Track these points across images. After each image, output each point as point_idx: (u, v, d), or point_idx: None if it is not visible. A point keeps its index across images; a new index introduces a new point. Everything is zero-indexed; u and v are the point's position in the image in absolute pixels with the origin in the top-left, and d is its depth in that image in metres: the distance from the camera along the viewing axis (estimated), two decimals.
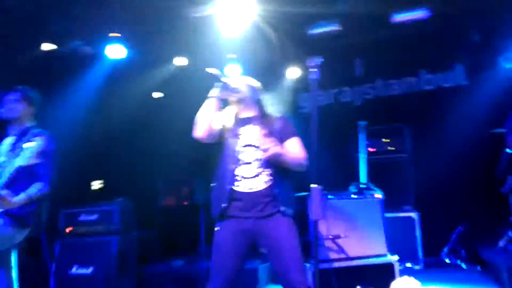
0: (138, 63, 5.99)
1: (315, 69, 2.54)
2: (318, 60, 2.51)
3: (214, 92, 2.65)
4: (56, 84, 5.24)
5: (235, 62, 5.97)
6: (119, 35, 5.44)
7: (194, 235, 5.63)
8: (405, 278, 3.51)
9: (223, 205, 2.56)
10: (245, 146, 2.65)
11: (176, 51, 6.08)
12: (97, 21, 5.31)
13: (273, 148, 2.51)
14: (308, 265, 3.39)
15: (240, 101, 2.74)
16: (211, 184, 2.75)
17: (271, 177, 2.58)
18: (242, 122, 2.74)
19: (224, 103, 2.77)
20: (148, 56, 5.99)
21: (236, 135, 2.68)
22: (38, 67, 5.16)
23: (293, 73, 6.79)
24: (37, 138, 2.66)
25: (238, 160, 2.62)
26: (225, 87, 2.64)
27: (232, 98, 2.73)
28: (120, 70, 5.96)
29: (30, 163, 2.68)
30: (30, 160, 2.65)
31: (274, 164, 2.58)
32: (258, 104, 2.82)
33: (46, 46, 5.30)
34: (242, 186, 2.57)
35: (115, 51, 5.49)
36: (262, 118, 2.74)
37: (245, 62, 6.18)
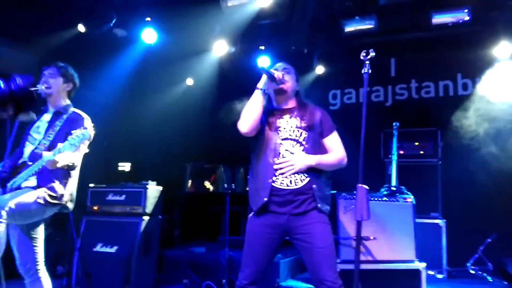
0: (172, 49, 5.99)
1: (368, 62, 2.48)
2: (372, 53, 2.45)
3: (261, 84, 2.63)
4: (90, 66, 5.29)
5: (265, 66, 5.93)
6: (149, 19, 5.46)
7: (217, 224, 5.67)
8: None
9: (265, 199, 2.54)
10: (284, 139, 2.61)
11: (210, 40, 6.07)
12: (132, 4, 5.35)
13: (305, 161, 2.53)
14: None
15: (281, 92, 2.71)
16: (248, 176, 2.73)
17: (308, 174, 2.55)
18: (281, 113, 2.70)
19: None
20: (181, 43, 5.98)
21: (276, 128, 2.64)
22: (73, 47, 5.21)
23: (324, 69, 6.72)
24: (85, 129, 2.67)
25: (278, 153, 2.58)
26: (272, 79, 2.61)
27: (275, 89, 2.69)
28: (153, 55, 5.99)
29: (75, 151, 2.69)
30: (76, 148, 2.66)
31: None
32: (297, 95, 2.79)
33: (81, 28, 5.33)
34: (279, 182, 2.55)
35: (149, 36, 5.52)
36: (301, 109, 2.70)
37: (276, 55, 6.15)
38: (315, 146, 2.62)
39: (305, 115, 2.66)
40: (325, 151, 2.66)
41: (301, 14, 5.45)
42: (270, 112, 2.71)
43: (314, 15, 5.50)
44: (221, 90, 6.91)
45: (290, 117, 2.67)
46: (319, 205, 2.52)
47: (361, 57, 2.49)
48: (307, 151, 2.58)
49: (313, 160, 2.55)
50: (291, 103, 2.75)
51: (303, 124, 2.63)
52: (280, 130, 2.63)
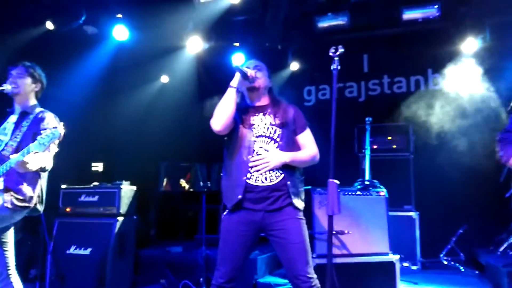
0: (145, 46, 5.92)
1: (337, 59, 2.50)
2: (341, 49, 2.47)
3: (235, 82, 2.63)
4: (59, 64, 5.17)
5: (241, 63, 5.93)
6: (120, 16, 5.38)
7: (194, 222, 5.63)
8: None
9: (239, 196, 2.53)
10: (258, 137, 2.62)
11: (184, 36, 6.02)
12: (102, 1, 5.25)
13: (280, 158, 2.54)
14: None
15: (254, 89, 2.71)
16: (221, 174, 2.72)
17: (283, 171, 2.56)
18: (254, 111, 2.70)
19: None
20: (154, 40, 5.90)
21: (250, 125, 2.64)
22: (41, 46, 5.09)
23: (298, 65, 6.75)
24: (55, 129, 2.60)
25: (253, 151, 2.59)
26: (245, 77, 2.61)
27: (248, 87, 2.69)
28: (125, 53, 5.90)
29: (45, 151, 2.63)
30: (46, 148, 2.60)
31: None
32: (270, 92, 2.79)
33: (50, 25, 5.21)
34: (254, 179, 2.55)
35: (120, 33, 5.44)
36: (274, 106, 2.71)
37: (251, 52, 6.15)
38: (289, 143, 2.63)
39: (278, 113, 2.67)
40: (298, 148, 2.68)
41: (274, 10, 5.46)
42: (244, 110, 2.71)
43: (287, 12, 5.52)
44: (195, 87, 6.86)
45: (264, 115, 2.68)
46: (293, 201, 2.53)
47: (330, 54, 2.52)
48: (281, 148, 2.59)
49: (287, 157, 2.56)
50: (264, 100, 2.75)
51: (277, 122, 2.64)
52: (254, 128, 2.63)
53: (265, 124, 2.64)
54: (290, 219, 2.52)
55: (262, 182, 2.54)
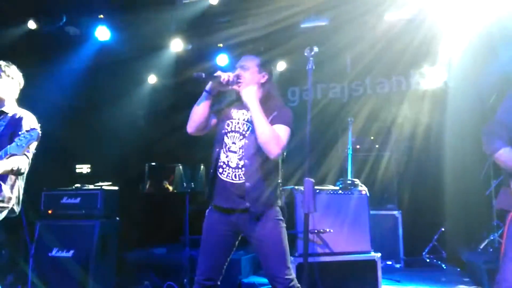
0: (127, 46, 5.89)
1: (312, 59, 2.51)
2: (315, 49, 2.48)
3: (207, 86, 2.57)
4: (41, 64, 5.12)
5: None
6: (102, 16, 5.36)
7: (177, 224, 5.59)
8: None
9: (207, 191, 2.56)
10: (232, 131, 2.57)
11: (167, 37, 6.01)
12: (84, 2, 5.22)
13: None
14: (292, 258, 3.40)
15: (237, 91, 2.62)
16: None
17: (256, 169, 2.47)
18: (239, 105, 2.62)
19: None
20: (137, 40, 5.88)
21: (228, 118, 2.61)
22: (22, 45, 5.03)
23: (282, 66, 6.77)
24: (33, 130, 2.57)
25: (224, 145, 2.56)
26: (217, 81, 2.53)
27: (226, 88, 2.61)
28: (108, 53, 5.87)
29: (22, 153, 2.60)
30: (24, 149, 2.57)
31: (254, 156, 2.47)
32: (264, 86, 2.64)
33: (32, 24, 5.16)
34: (225, 174, 2.51)
35: (102, 33, 5.42)
36: (262, 103, 2.53)
37: (233, 52, 6.16)
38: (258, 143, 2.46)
39: (262, 110, 2.49)
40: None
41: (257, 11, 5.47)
42: (232, 103, 2.66)
43: (270, 12, 5.53)
44: (179, 88, 6.84)
45: (248, 110, 2.53)
46: (268, 201, 2.46)
47: (305, 54, 2.52)
48: (247, 147, 2.49)
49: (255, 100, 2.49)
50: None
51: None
52: (231, 122, 2.59)
53: (244, 119, 2.58)
54: (266, 221, 2.47)
55: (232, 179, 2.49)
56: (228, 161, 2.52)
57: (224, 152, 2.55)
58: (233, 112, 2.63)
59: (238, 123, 2.59)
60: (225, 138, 2.57)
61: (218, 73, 2.55)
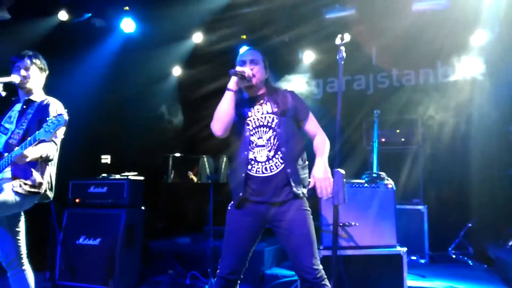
0: (152, 38, 5.94)
1: (343, 48, 2.47)
2: (347, 38, 2.45)
3: (231, 85, 2.56)
4: (69, 55, 5.21)
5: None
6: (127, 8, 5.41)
7: (201, 214, 5.65)
8: None
9: (240, 194, 2.53)
10: (256, 127, 2.58)
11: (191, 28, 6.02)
12: None
13: (328, 174, 2.48)
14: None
15: (251, 87, 2.65)
16: (229, 170, 2.72)
17: (284, 159, 2.51)
18: (251, 103, 2.65)
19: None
20: (163, 32, 5.91)
21: (246, 119, 2.60)
22: (52, 37, 5.13)
23: (307, 58, 6.71)
24: (60, 116, 2.62)
25: (251, 143, 2.57)
26: (242, 78, 2.55)
27: (246, 85, 2.64)
28: (134, 45, 5.92)
29: (50, 139, 2.65)
30: (52, 136, 2.62)
31: (287, 143, 2.53)
32: (266, 81, 2.72)
33: (63, 16, 5.25)
34: (255, 170, 2.53)
35: (128, 25, 5.48)
36: (272, 94, 2.64)
37: (258, 44, 6.12)
38: (288, 131, 2.56)
39: (277, 100, 2.61)
40: (297, 134, 2.63)
41: (282, 2, 5.43)
42: (241, 103, 2.65)
43: (294, 3, 5.48)
44: (202, 80, 6.85)
45: (261, 105, 2.62)
46: (297, 191, 2.50)
47: (336, 43, 2.49)
48: (279, 136, 2.54)
49: (326, 165, 2.51)
50: (261, 90, 2.69)
51: (275, 110, 2.59)
52: (250, 120, 2.59)
53: (262, 114, 2.59)
54: (295, 210, 2.49)
55: (263, 173, 2.52)
56: (255, 157, 2.54)
57: (250, 149, 2.56)
58: (248, 112, 2.62)
59: (258, 119, 2.59)
60: (249, 136, 2.57)
61: (240, 68, 2.57)
